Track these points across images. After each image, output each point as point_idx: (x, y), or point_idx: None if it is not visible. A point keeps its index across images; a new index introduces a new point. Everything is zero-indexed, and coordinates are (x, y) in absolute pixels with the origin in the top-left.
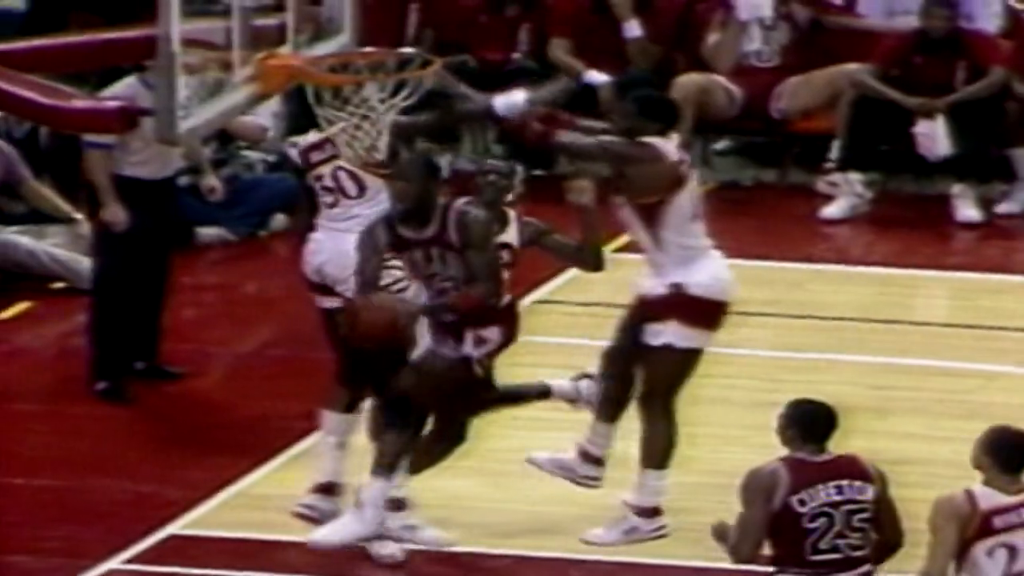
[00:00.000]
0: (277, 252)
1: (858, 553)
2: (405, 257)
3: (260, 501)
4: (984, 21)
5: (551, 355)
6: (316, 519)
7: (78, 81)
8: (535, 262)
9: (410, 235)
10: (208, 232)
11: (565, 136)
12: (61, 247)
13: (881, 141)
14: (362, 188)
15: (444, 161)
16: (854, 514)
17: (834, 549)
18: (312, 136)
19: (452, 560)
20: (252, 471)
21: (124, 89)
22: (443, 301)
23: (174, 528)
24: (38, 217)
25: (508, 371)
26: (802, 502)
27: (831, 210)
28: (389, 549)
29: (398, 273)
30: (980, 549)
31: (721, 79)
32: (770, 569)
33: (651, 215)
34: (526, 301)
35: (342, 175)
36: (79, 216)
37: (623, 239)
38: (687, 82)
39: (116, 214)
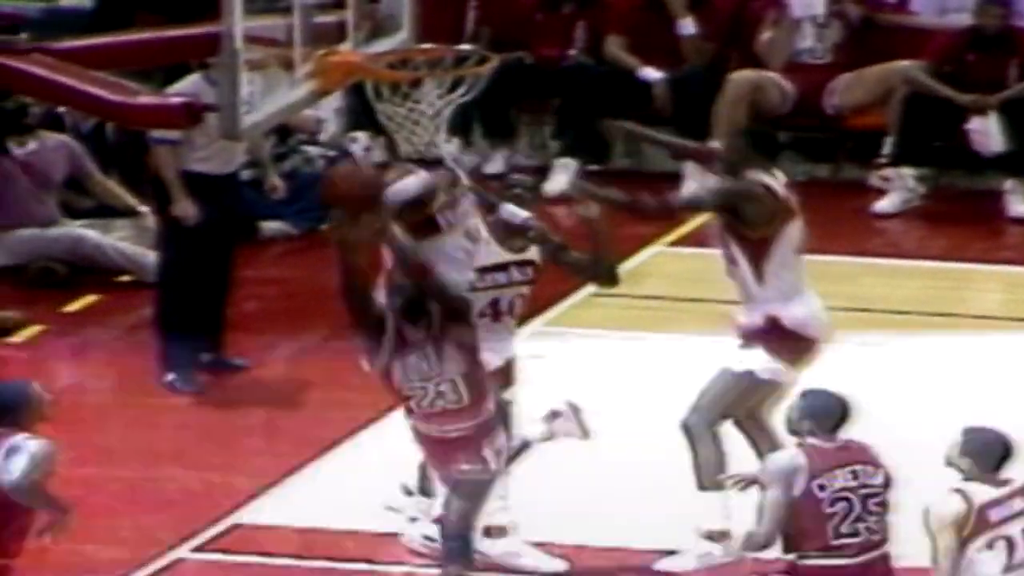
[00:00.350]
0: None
1: (876, 536)
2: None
3: (325, 490)
4: None
5: (607, 347)
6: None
7: (144, 78)
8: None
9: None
10: (271, 226)
11: (682, 197)
12: (127, 241)
13: (934, 137)
14: None
15: (501, 158)
16: (869, 498)
17: (854, 533)
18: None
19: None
20: (316, 460)
21: (188, 86)
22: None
23: (241, 517)
24: (105, 211)
25: (564, 363)
26: (822, 487)
27: (884, 205)
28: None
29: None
30: (979, 544)
31: (774, 75)
32: (790, 556)
33: (758, 250)
34: (583, 293)
35: None
36: (145, 210)
37: (679, 232)
38: (741, 79)
39: (186, 208)
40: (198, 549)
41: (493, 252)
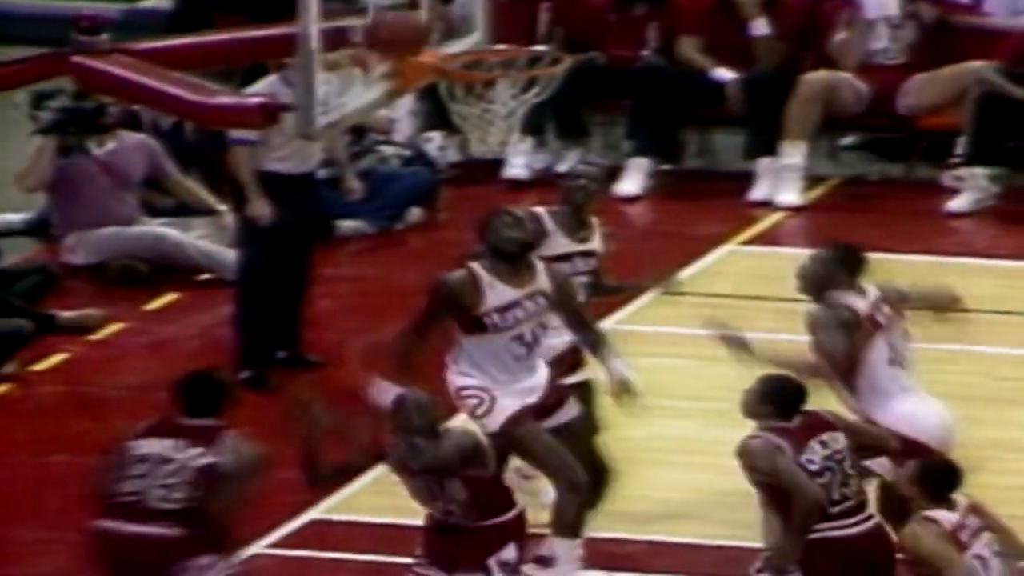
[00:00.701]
0: (412, 244)
1: (861, 497)
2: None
3: (399, 486)
4: None
5: (678, 345)
6: None
7: (223, 78)
8: (664, 253)
9: None
10: (347, 225)
11: (771, 358)
12: (206, 239)
13: (1007, 137)
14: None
15: (574, 158)
16: (843, 461)
17: (844, 498)
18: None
19: (590, 546)
20: None
21: (265, 86)
22: None
23: (316, 513)
24: (184, 210)
25: (636, 361)
26: (810, 461)
27: (956, 204)
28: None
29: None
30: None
31: (848, 76)
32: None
33: (846, 369)
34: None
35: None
36: (223, 208)
37: (751, 231)
38: (814, 79)
39: (261, 208)
40: (274, 545)
41: (559, 243)
